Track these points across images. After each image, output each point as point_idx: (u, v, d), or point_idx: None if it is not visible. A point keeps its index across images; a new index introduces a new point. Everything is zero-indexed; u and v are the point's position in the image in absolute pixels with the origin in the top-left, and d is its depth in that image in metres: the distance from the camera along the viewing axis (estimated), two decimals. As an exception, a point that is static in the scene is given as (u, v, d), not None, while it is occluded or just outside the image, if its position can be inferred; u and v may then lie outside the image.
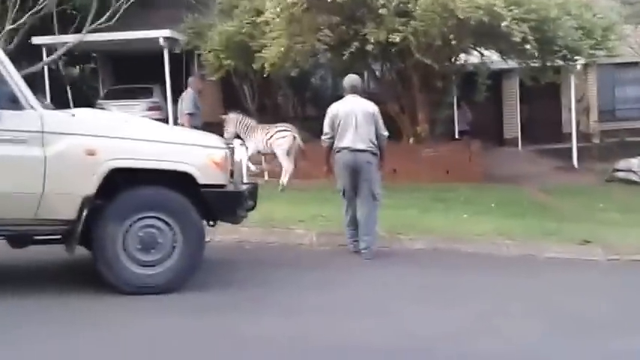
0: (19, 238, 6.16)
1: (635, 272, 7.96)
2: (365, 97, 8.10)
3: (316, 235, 8.48)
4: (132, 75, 19.71)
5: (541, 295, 6.56)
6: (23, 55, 17.99)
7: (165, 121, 17.96)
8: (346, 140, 7.70)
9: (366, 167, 7.73)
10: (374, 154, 7.79)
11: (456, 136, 19.09)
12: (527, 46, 11.50)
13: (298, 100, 21.18)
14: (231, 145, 6.61)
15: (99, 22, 16.05)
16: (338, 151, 7.82)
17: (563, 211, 11.43)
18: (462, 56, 15.36)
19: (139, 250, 5.94)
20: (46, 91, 17.95)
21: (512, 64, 15.13)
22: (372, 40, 12.12)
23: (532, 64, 13.92)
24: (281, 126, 13.13)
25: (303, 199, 10.94)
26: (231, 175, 6.77)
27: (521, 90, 20.74)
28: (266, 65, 14.01)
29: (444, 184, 13.62)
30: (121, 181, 5.97)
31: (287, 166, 12.53)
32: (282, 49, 13.34)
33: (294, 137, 12.67)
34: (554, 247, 8.55)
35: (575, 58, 13.62)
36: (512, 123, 22.09)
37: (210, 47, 15.46)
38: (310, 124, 18.91)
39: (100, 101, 18.71)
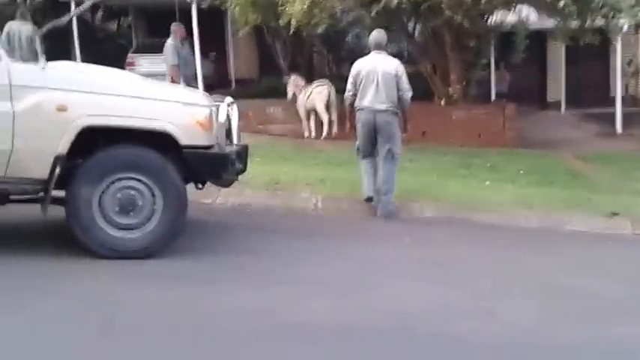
0: (-8, 196, 5.84)
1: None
2: (391, 54, 8.06)
3: (321, 199, 8.03)
4: (165, 30, 19.34)
5: (551, 274, 6.02)
6: (52, 9, 17.88)
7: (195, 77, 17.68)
8: (367, 99, 7.70)
9: (386, 127, 7.70)
10: (394, 113, 7.77)
11: (493, 99, 18.25)
12: (562, 2, 10.68)
13: (333, 58, 20.58)
14: (217, 103, 6.13)
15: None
16: (359, 109, 7.81)
17: (595, 180, 10.74)
18: (499, 15, 14.55)
19: (117, 213, 5.59)
20: (75, 45, 17.67)
21: (549, 23, 14.20)
22: (398, -6, 11.44)
23: (571, 24, 13.00)
24: (318, 82, 13.97)
25: (318, 159, 10.48)
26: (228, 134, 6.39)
27: (567, 51, 19.70)
28: (292, 21, 13.46)
29: (474, 149, 12.96)
30: (97, 139, 5.60)
31: (326, 118, 13.34)
32: (306, 5, 12.75)
33: (329, 91, 13.44)
34: (578, 220, 7.98)
35: (618, 16, 12.69)
36: (557, 85, 21.10)
37: (236, 1, 14.90)
38: (345, 84, 18.40)
39: (130, 54, 18.41)
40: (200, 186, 6.35)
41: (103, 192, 5.56)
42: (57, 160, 5.43)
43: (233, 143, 6.41)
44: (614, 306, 5.25)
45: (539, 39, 17.74)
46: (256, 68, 21.30)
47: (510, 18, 14.83)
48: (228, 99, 6.61)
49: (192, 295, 4.95)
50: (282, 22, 14.00)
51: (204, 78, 18.04)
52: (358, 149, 8.04)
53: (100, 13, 25.06)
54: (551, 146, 14.34)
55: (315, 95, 13.50)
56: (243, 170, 6.46)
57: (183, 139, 5.62)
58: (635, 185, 10.33)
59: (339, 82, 17.99)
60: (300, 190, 8.25)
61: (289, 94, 13.99)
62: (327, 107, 13.40)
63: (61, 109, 5.41)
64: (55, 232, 6.08)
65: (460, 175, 10.21)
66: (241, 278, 5.37)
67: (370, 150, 7.88)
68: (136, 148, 5.66)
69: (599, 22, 12.79)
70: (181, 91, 6.48)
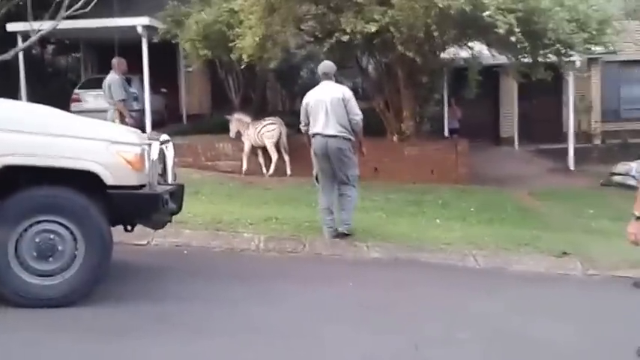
0: None
1: (614, 290, 7.08)
2: (337, 82, 8.23)
3: (264, 239, 7.71)
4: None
5: (499, 318, 5.76)
6: (-1, 41, 17.44)
7: (143, 112, 17.33)
8: (317, 126, 7.79)
9: (337, 152, 7.77)
10: (346, 139, 7.81)
11: (446, 135, 18.22)
12: (513, 38, 10.63)
13: (286, 93, 20.40)
14: (149, 141, 5.80)
15: (74, 8, 15.29)
16: (312, 137, 7.90)
17: (547, 218, 10.63)
18: (452, 50, 14.54)
19: (35, 258, 5.23)
20: (20, 79, 17.21)
21: (502, 59, 14.21)
22: (349, 30, 11.31)
23: (523, 59, 13.00)
24: (269, 119, 14.20)
25: (265, 198, 10.20)
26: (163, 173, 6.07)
27: (520, 87, 19.80)
28: (244, 56, 13.25)
29: (426, 185, 12.82)
30: (18, 180, 5.26)
31: (275, 157, 13.71)
32: (258, 38, 12.55)
33: (281, 131, 13.77)
34: (528, 259, 7.77)
35: (570, 53, 12.72)
36: (510, 121, 21.21)
37: (187, 37, 14.64)
38: (299, 119, 18.21)
39: (76, 90, 17.99)
40: (129, 228, 5.99)
41: (20, 235, 5.21)
42: None
43: (167, 182, 6.09)
44: (565, 352, 5.02)
45: (492, 75, 17.78)
46: (208, 103, 21.03)
47: (463, 54, 14.83)
48: (164, 136, 6.31)
49: (103, 350, 4.58)
50: (233, 56, 13.78)
51: (155, 113, 17.73)
52: (316, 177, 8.05)
53: (50, 48, 24.62)
54: (504, 182, 14.29)
55: (266, 133, 13.76)
56: (178, 211, 6.15)
57: (110, 179, 5.29)
58: (586, 223, 10.26)
59: (293, 117, 17.82)
60: (243, 230, 7.92)
61: (232, 132, 14.23)
62: (277, 146, 13.75)
63: None
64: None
65: (410, 213, 10.01)
66: (166, 329, 5.00)
67: (329, 175, 7.90)
68: (57, 188, 5.31)
69: (552, 57, 12.81)
70: (110, 128, 6.11)
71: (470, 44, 14.23)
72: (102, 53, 21.11)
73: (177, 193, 6.09)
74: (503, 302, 6.30)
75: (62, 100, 15.53)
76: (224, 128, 16.62)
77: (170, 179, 6.15)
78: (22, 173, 5.27)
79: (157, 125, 17.99)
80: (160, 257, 7.06)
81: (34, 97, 17.91)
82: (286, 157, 13.72)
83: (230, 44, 12.99)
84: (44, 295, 5.21)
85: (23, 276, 5.20)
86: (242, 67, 14.28)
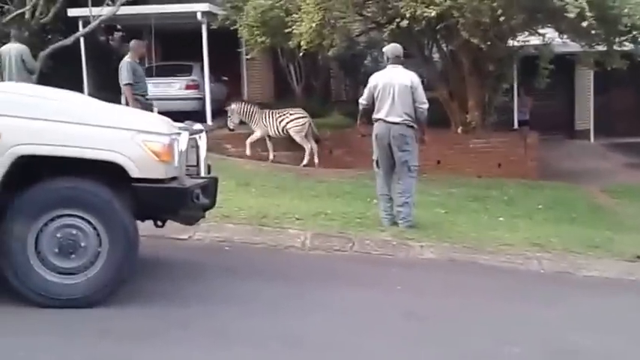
0: None
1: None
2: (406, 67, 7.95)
3: (310, 236, 7.23)
4: (179, 52, 18.88)
5: (560, 331, 5.12)
6: (59, 27, 17.45)
7: (203, 100, 17.11)
8: (382, 112, 7.69)
9: (400, 139, 7.66)
10: (409, 126, 7.72)
11: (515, 127, 17.35)
12: (584, 24, 9.84)
13: (350, 82, 19.83)
14: (178, 131, 5.40)
15: (135, -7, 15.17)
16: (375, 122, 7.79)
17: (621, 218, 9.84)
18: (522, 38, 13.74)
19: (56, 255, 4.84)
20: (82, 66, 17.19)
21: (575, 46, 13.33)
22: (408, 15, 10.71)
23: (598, 47, 12.13)
24: (294, 110, 14.56)
25: (317, 190, 9.73)
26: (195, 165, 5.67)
27: (596, 77, 18.76)
28: (302, 43, 12.81)
29: (491, 180, 12.17)
30: (38, 171, 4.88)
31: (308, 147, 14.06)
32: (314, 24, 12.09)
33: (310, 123, 14.21)
34: (597, 264, 7.09)
35: (646, 40, 11.79)
36: (585, 113, 20.13)
37: (244, 22, 14.27)
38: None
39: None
40: (160, 223, 5.61)
41: (40, 231, 4.82)
42: None
43: (200, 175, 5.68)
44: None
45: (566, 64, 16.82)
46: (271, 92, 20.66)
47: (533, 41, 14.01)
48: (198, 126, 5.90)
49: (116, 355, 4.19)
50: (291, 43, 13.37)
51: (216, 102, 17.49)
52: (377, 162, 7.92)
53: (117, 35, 24.67)
54: (576, 178, 13.44)
55: (295, 127, 14.12)
56: (211, 206, 5.73)
57: (135, 172, 4.84)
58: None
59: (356, 105, 17.38)
60: (289, 226, 7.46)
61: (233, 123, 14.55)
62: (307, 137, 14.18)
63: None
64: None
65: (471, 210, 9.42)
66: (188, 336, 4.56)
67: (389, 163, 7.81)
68: (79, 180, 4.92)
69: (628, 45, 11.92)
70: (137, 117, 5.71)
71: (541, 31, 13.43)
72: (166, 41, 21.07)
73: (211, 187, 5.66)
74: (567, 313, 5.67)
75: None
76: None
77: (203, 172, 5.75)
78: (41, 164, 4.89)
79: (219, 114, 17.80)
80: (199, 253, 6.64)
81: (97, 84, 18.02)
82: (315, 146, 14.14)
83: (286, 30, 12.52)
84: (65, 294, 4.84)
85: (43, 273, 4.84)
86: (301, 54, 13.86)
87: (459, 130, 13.75)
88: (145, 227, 5.47)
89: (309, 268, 6.52)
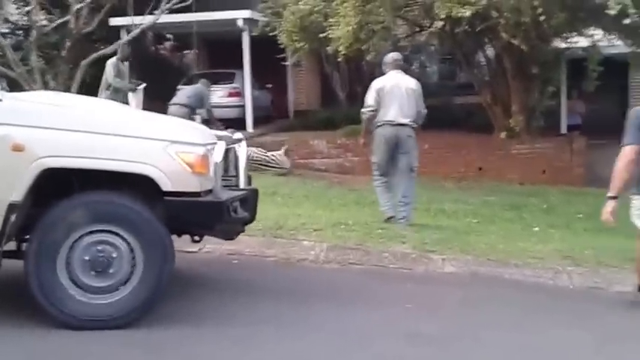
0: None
1: None
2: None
3: (326, 248, 6.93)
4: (223, 59, 18.87)
5: (586, 355, 4.73)
6: (104, 35, 17.55)
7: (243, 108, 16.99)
8: (390, 114, 7.78)
9: (408, 141, 7.87)
10: (414, 128, 7.94)
11: (564, 132, 16.66)
12: (627, 21, 9.29)
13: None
14: (214, 141, 5.14)
15: (173, 1, 15.10)
16: (380, 125, 7.86)
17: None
18: (573, 40, 13.18)
19: (87, 273, 4.62)
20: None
21: (624, 47, 12.69)
22: (443, 15, 10.33)
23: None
24: None
25: (345, 199, 9.41)
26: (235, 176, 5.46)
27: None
28: (340, 48, 12.56)
29: (534, 187, 11.69)
30: (64, 184, 4.70)
31: None
32: (351, 28, 11.82)
33: None
34: (632, 279, 6.56)
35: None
36: None
37: (283, 28, 14.09)
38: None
39: (179, 86, 17.89)
40: (197, 239, 5.46)
41: (70, 247, 4.59)
42: (11, 208, 4.51)
43: (239, 187, 5.46)
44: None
45: (620, 66, 16.10)
46: (317, 99, 20.46)
47: (582, 42, 13.42)
48: (238, 135, 5.69)
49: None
50: (330, 48, 13.14)
51: (260, 109, 17.39)
52: (379, 166, 8.03)
53: (168, 44, 24.81)
54: (625, 186, 12.75)
55: None
56: (252, 220, 5.51)
57: (167, 185, 4.60)
58: None
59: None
60: (304, 237, 7.16)
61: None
62: None
63: (18, 148, 4.50)
64: (8, 293, 5.21)
65: (505, 219, 8.97)
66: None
67: (388, 167, 7.99)
68: (111, 194, 4.70)
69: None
70: (170, 126, 5.42)
71: (590, 32, 12.85)
72: (210, 48, 21.11)
73: (250, 200, 5.41)
74: (593, 333, 5.21)
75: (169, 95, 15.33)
76: (329, 124, 16.06)
77: (242, 184, 5.51)
78: (70, 177, 4.70)
79: (262, 121, 17.68)
80: (204, 267, 6.40)
81: (146, 93, 18.08)
82: None
83: (320, 35, 12.28)
84: (97, 315, 4.60)
85: (74, 293, 4.59)
86: (338, 59, 13.59)
87: (503, 135, 13.23)
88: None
89: (318, 284, 6.20)
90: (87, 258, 4.60)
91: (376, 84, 7.96)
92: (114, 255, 4.62)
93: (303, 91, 20.49)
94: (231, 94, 17.41)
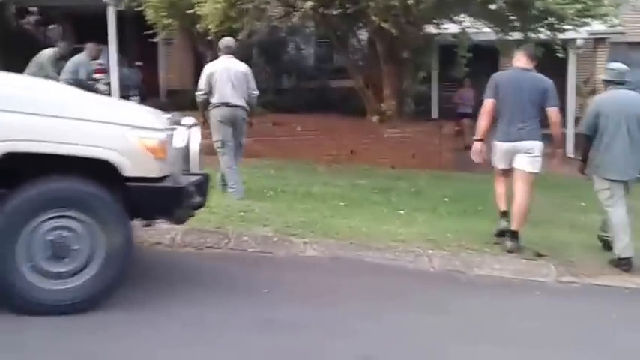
0: None
1: (596, 300, 5.99)
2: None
3: (182, 232, 6.54)
4: (90, 35, 17.95)
5: (438, 338, 4.62)
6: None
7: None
8: (224, 96, 8.18)
9: (242, 122, 8.43)
10: (246, 109, 8.40)
11: (434, 117, 16.81)
12: (493, 6, 9.37)
13: (272, 70, 19.13)
14: (174, 126, 5.01)
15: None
16: (216, 106, 8.23)
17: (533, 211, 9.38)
18: (442, 25, 13.24)
19: (48, 259, 4.49)
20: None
21: (490, 35, 12.85)
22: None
23: (513, 35, 11.69)
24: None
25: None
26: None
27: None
28: (210, 26, 12.10)
29: (404, 171, 11.67)
30: (23, 169, 4.46)
31: None
32: (220, 5, 11.40)
33: None
34: (492, 262, 6.61)
35: (564, 28, 11.40)
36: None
37: (150, 3, 13.47)
38: (286, 97, 17.00)
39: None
40: (147, 223, 5.26)
41: (29, 233, 4.44)
42: None
43: (191, 172, 5.21)
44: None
45: (490, 53, 16.42)
46: (190, 78, 19.84)
47: (452, 29, 13.53)
48: (189, 119, 5.40)
49: None
50: (199, 26, 12.65)
51: (127, 88, 16.63)
52: (223, 143, 8.28)
53: (32, 18, 23.49)
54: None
55: None
56: (202, 204, 5.30)
57: (129, 170, 4.51)
58: (572, 217, 9.05)
59: (279, 95, 16.72)
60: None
61: None
62: None
63: None
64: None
65: (373, 202, 8.86)
66: None
67: (231, 141, 8.34)
68: (72, 179, 4.54)
69: (544, 33, 11.52)
70: (131, 111, 5.25)
71: (460, 18, 12.95)
72: (76, 24, 20.07)
73: (203, 185, 5.24)
74: (452, 316, 5.15)
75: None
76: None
77: (195, 169, 5.27)
78: (31, 162, 4.44)
79: (133, 101, 16.93)
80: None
81: (9, 68, 16.96)
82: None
83: (187, 11, 11.81)
84: (60, 300, 4.48)
85: (34, 280, 4.45)
86: (209, 37, 13.13)
87: (375, 119, 13.20)
88: None
89: (173, 269, 5.87)
90: (47, 243, 4.48)
91: (207, 69, 8.37)
92: (74, 240, 4.53)
93: (175, 69, 19.83)
94: (96, 71, 16.52)
